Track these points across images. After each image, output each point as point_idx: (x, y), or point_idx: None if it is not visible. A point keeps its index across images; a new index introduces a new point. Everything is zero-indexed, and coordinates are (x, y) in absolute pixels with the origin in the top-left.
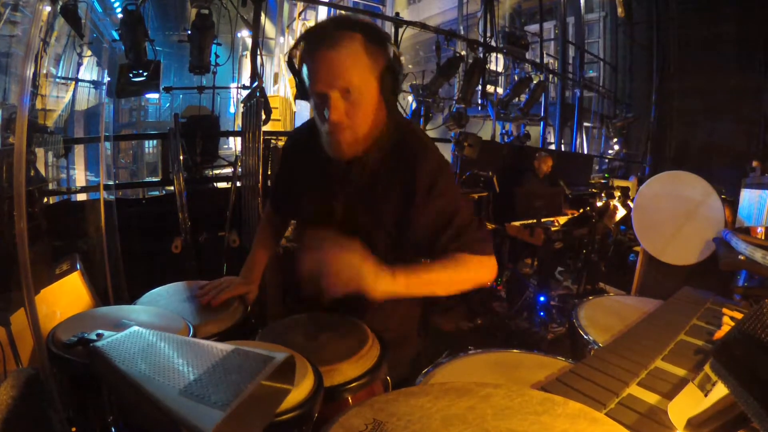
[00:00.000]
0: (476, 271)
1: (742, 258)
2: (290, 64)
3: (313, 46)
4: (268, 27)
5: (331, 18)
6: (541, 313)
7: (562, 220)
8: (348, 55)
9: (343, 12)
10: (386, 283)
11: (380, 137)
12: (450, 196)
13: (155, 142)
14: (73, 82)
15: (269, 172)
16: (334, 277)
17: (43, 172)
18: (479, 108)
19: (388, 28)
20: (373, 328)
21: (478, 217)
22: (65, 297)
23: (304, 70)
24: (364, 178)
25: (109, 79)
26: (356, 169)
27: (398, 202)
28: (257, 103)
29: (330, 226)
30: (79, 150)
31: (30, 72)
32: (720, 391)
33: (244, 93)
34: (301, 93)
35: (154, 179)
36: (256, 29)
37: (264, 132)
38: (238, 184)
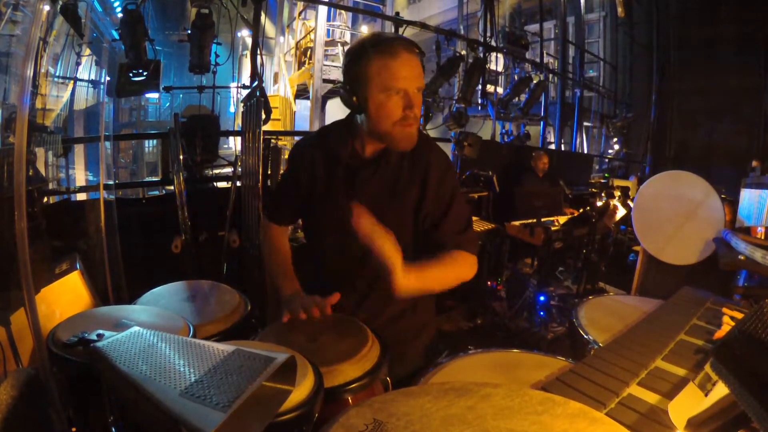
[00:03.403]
0: (467, 268)
1: (742, 258)
2: (352, 64)
3: (393, 50)
4: (268, 27)
5: (389, 34)
6: (541, 313)
7: (562, 219)
8: (419, 59)
9: (343, 12)
10: (408, 280)
11: None
12: (456, 191)
13: (155, 141)
14: (72, 82)
15: (269, 172)
16: (376, 248)
17: (42, 171)
18: (479, 108)
19: (388, 27)
20: (393, 320)
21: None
22: (65, 297)
23: (377, 71)
24: (388, 173)
25: (108, 78)
26: (381, 166)
27: (417, 190)
28: (257, 102)
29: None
30: (78, 150)
31: (30, 72)
32: (720, 390)
33: (244, 92)
34: (356, 91)
35: (154, 179)
36: (256, 29)
37: (264, 132)
38: (238, 183)
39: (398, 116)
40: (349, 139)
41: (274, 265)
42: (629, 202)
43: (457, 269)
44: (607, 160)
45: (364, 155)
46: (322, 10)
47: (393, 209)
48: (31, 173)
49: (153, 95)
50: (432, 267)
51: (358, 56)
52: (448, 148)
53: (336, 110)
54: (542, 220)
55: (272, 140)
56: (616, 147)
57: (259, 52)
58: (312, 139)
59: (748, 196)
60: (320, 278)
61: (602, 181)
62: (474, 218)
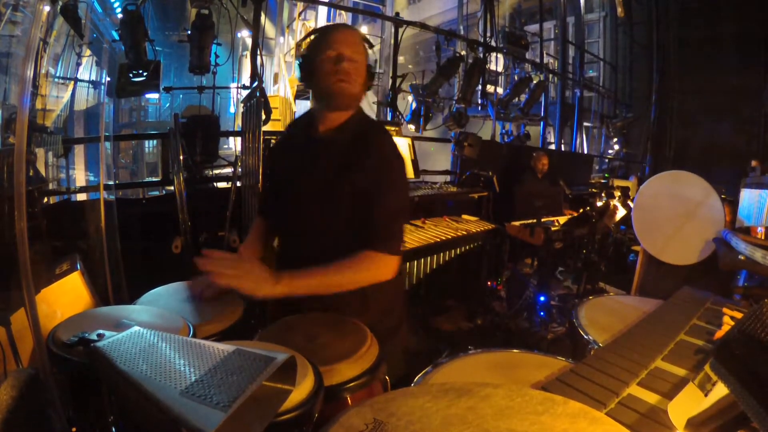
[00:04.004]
0: (374, 271)
1: (742, 258)
2: (304, 48)
3: (333, 28)
4: (268, 27)
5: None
6: (541, 313)
7: (562, 220)
8: (358, 38)
9: (343, 12)
10: (267, 288)
11: (352, 119)
12: (391, 183)
13: (155, 142)
14: (72, 82)
15: (269, 172)
16: (227, 278)
17: (42, 172)
18: (479, 108)
19: (388, 28)
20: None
21: (403, 213)
22: (65, 297)
23: (319, 41)
24: (337, 153)
25: (108, 79)
26: (332, 146)
27: (357, 175)
28: (257, 103)
29: (311, 196)
30: (79, 150)
31: (30, 72)
32: (720, 390)
33: (244, 93)
34: (305, 65)
35: (154, 179)
36: (256, 29)
37: (264, 132)
38: (238, 184)
39: (331, 71)
40: (306, 122)
41: (246, 239)
42: (629, 202)
43: (358, 273)
44: (607, 161)
45: (319, 134)
46: (322, 10)
47: (335, 190)
48: (31, 173)
49: (153, 95)
50: (318, 273)
51: (308, 40)
52: (448, 149)
53: None
54: (542, 220)
55: (272, 140)
56: (616, 147)
57: (259, 52)
58: (281, 134)
59: (748, 196)
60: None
61: (602, 181)
62: (474, 218)
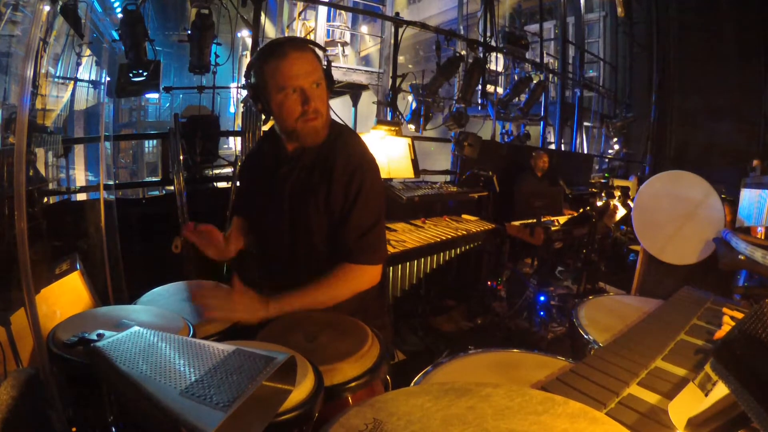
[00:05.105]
0: (356, 282)
1: (742, 258)
2: (251, 73)
3: (282, 52)
4: (268, 27)
5: (282, 38)
6: (541, 313)
7: (562, 219)
8: (312, 55)
9: (343, 12)
10: (260, 314)
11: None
12: (362, 192)
13: (155, 142)
14: (72, 82)
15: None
16: (222, 311)
17: (42, 172)
18: (479, 108)
19: (388, 28)
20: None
21: (378, 221)
22: (65, 297)
23: (271, 74)
24: (304, 171)
25: (108, 78)
26: (299, 164)
27: (325, 190)
28: None
29: (280, 221)
30: (78, 150)
31: (30, 72)
32: (720, 390)
33: (244, 93)
34: (259, 97)
35: (154, 179)
36: (256, 29)
37: (264, 132)
38: (238, 183)
39: (298, 112)
40: (275, 139)
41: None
42: (629, 202)
43: (340, 288)
44: (607, 160)
45: (287, 153)
46: (322, 10)
47: (309, 208)
48: (31, 174)
49: (153, 95)
50: (304, 293)
51: (254, 65)
52: (448, 148)
53: (336, 110)
54: (542, 220)
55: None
56: (616, 147)
57: None
58: (256, 144)
59: (748, 196)
60: (253, 275)
61: (602, 181)
62: (474, 218)
